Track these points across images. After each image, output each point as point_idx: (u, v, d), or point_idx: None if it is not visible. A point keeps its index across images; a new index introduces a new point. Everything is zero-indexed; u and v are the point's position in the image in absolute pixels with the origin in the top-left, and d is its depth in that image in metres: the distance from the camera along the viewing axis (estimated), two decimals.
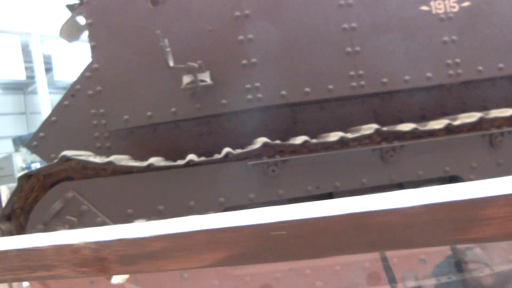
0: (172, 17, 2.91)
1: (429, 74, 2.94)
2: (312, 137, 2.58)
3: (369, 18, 2.90)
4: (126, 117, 2.95)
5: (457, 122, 2.55)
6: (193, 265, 0.92)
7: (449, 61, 2.95)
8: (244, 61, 2.82)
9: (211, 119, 3.03)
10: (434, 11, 2.96)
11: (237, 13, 2.83)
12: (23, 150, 13.63)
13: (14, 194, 2.31)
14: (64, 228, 2.29)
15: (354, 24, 2.89)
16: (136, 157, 2.92)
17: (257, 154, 2.50)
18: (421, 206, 0.80)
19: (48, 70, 15.64)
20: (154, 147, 3.07)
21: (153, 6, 2.94)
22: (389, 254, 2.31)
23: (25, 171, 2.45)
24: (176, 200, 2.43)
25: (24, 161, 13.86)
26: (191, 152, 2.95)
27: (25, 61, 16.06)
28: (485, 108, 3.11)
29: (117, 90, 2.98)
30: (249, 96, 2.82)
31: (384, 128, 2.52)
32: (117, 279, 2.28)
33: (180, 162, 2.43)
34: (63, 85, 17.09)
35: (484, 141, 2.62)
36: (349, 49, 2.88)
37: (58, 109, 3.05)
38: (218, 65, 2.84)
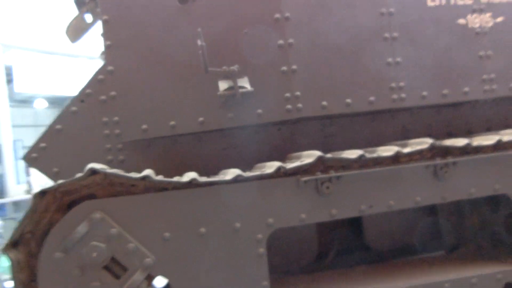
0: (203, 16, 2.63)
1: (466, 89, 2.84)
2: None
3: (411, 28, 2.77)
4: (144, 126, 2.61)
5: (506, 138, 2.44)
6: None
7: (485, 77, 2.88)
8: (284, 68, 2.59)
9: (239, 131, 2.75)
10: (470, 25, 2.89)
11: (277, 15, 2.60)
12: None
13: (26, 216, 1.90)
14: (90, 256, 1.91)
15: (395, 34, 2.75)
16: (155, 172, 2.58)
17: (305, 169, 2.25)
18: None
19: (9, 81, 14.65)
20: (174, 162, 2.73)
21: (181, 3, 2.64)
22: None
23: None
24: (219, 221, 2.12)
25: None
26: (216, 168, 2.65)
27: None
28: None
29: (134, 96, 2.63)
30: (288, 106, 2.58)
31: (439, 143, 2.37)
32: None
33: (226, 177, 2.13)
34: (23, 98, 16.19)
35: None
36: (390, 59, 2.73)
37: (64, 116, 2.65)
38: (254, 71, 2.58)
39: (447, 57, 2.83)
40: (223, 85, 2.47)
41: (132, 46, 2.65)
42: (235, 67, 2.43)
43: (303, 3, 2.62)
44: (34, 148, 2.61)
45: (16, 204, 11.66)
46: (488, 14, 2.92)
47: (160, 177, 2.08)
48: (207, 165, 2.73)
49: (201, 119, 2.61)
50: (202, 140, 2.78)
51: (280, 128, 2.85)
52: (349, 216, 2.29)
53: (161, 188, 2.13)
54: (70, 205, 2.05)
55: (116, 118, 2.66)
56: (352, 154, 2.26)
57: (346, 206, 2.27)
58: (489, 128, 3.05)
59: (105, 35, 2.66)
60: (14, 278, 1.93)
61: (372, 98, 2.69)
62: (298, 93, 2.58)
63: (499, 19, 2.94)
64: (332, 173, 2.22)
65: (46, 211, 1.97)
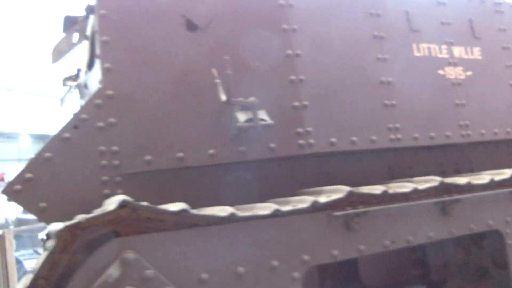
0: (212, 46, 2.55)
1: (448, 133, 3.10)
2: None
3: (403, 74, 2.98)
4: (148, 157, 2.38)
5: (498, 178, 2.68)
6: None
7: (461, 123, 3.18)
8: (296, 103, 2.59)
9: (246, 165, 2.64)
10: (448, 76, 3.21)
11: (289, 52, 2.62)
12: None
13: (47, 258, 1.57)
14: None
15: (390, 79, 2.93)
16: None
17: (332, 205, 2.22)
18: None
19: None
20: (176, 197, 2.50)
21: (190, 31, 2.55)
22: None
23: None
24: (257, 259, 1.96)
25: None
26: (221, 203, 2.49)
27: None
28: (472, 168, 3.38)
29: (137, 123, 2.41)
30: (301, 141, 2.56)
31: (448, 180, 2.51)
32: None
33: (262, 211, 2.00)
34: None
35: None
36: (386, 101, 2.89)
37: (55, 143, 2.31)
38: (266, 105, 2.54)
39: (430, 103, 3.08)
40: (242, 116, 2.37)
41: (134, 71, 2.46)
42: (254, 99, 2.36)
43: (314, 41, 2.69)
44: (18, 179, 2.21)
45: None
46: (460, 68, 3.28)
47: (195, 211, 1.88)
48: (212, 201, 2.55)
49: (211, 151, 2.46)
50: (205, 174, 2.60)
51: (280, 164, 2.80)
52: (375, 251, 2.28)
53: (191, 224, 1.92)
54: (90, 244, 1.75)
55: (115, 148, 2.38)
56: (375, 190, 2.29)
57: (372, 242, 2.26)
58: (471, 170, 3.32)
59: (104, 57, 2.44)
60: None
61: (374, 137, 2.79)
62: (310, 128, 2.58)
63: (469, 73, 3.31)
64: (361, 208, 2.22)
65: (64, 251, 1.64)
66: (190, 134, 2.46)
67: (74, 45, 2.98)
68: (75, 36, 2.96)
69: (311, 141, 2.58)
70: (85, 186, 2.30)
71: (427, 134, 3.01)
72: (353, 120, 2.75)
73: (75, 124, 2.35)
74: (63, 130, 2.32)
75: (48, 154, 2.26)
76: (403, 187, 2.39)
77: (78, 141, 2.33)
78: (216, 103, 2.48)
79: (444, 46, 3.24)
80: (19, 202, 2.19)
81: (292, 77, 2.61)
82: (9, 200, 2.19)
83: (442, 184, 2.48)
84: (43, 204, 2.22)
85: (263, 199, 2.39)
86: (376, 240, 2.27)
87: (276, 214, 2.00)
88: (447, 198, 2.49)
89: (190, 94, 2.49)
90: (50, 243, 1.64)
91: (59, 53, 3.05)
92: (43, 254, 1.61)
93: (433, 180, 2.49)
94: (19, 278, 4.72)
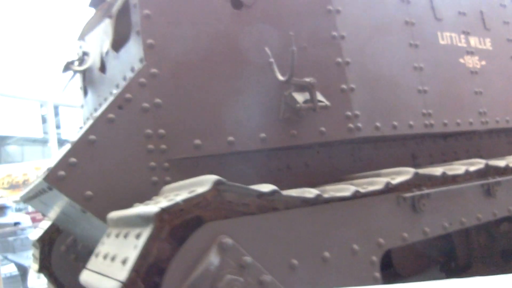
0: (259, 24, 2.42)
1: (470, 120, 3.17)
2: None
3: (432, 62, 3.01)
4: (197, 141, 2.21)
5: None
6: None
7: (480, 110, 3.27)
8: (344, 86, 2.52)
9: (296, 150, 2.53)
10: (467, 65, 3.29)
11: (334, 33, 2.55)
12: None
13: (143, 247, 1.38)
14: None
15: (421, 65, 2.95)
16: None
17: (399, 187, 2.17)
18: None
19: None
20: None
21: (236, 9, 2.40)
22: None
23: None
24: (340, 243, 1.86)
25: None
26: None
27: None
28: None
29: (184, 105, 2.24)
30: (350, 125, 2.50)
31: (491, 163, 2.56)
32: None
33: (343, 193, 1.90)
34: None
35: None
36: (420, 87, 2.90)
37: (99, 124, 2.07)
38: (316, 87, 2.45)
39: (454, 91, 3.14)
40: (300, 97, 2.26)
41: (179, 48, 2.28)
42: (313, 79, 2.26)
43: (358, 23, 2.65)
44: (61, 164, 1.95)
45: None
46: (476, 57, 3.37)
47: (286, 193, 1.75)
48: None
49: (263, 135, 2.33)
50: (248, 160, 2.46)
51: (319, 150, 2.73)
52: (436, 234, 2.26)
53: (272, 207, 1.79)
54: (173, 231, 1.56)
55: (161, 131, 2.19)
56: (435, 171, 2.27)
57: (435, 224, 2.24)
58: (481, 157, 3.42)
59: (145, 32, 2.24)
60: None
61: (411, 122, 2.78)
62: (357, 112, 2.53)
63: (483, 63, 3.42)
64: (426, 190, 2.19)
65: (155, 238, 1.45)
66: (240, 117, 2.31)
67: (99, 22, 2.71)
68: (101, 13, 2.70)
69: (359, 124, 2.52)
70: (132, 173, 2.09)
71: (454, 121, 3.06)
72: (393, 104, 2.73)
73: (119, 104, 2.13)
74: (107, 110, 2.09)
75: (92, 137, 2.03)
76: (454, 169, 2.40)
77: (123, 122, 2.12)
78: (266, 84, 2.36)
79: (462, 36, 3.31)
80: (62, 190, 1.94)
81: (339, 59, 2.54)
82: (52, 187, 1.93)
83: (487, 166, 2.51)
84: (89, 193, 1.98)
85: (306, 186, 2.31)
86: (437, 222, 2.25)
87: (356, 195, 1.92)
88: (491, 180, 2.53)
89: (238, 74, 2.35)
90: (139, 231, 1.44)
91: (84, 30, 2.76)
92: (151, 238, 1.40)
93: (478, 163, 2.52)
94: None
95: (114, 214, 1.79)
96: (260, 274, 1.57)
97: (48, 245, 3.67)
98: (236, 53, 2.36)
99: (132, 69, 2.38)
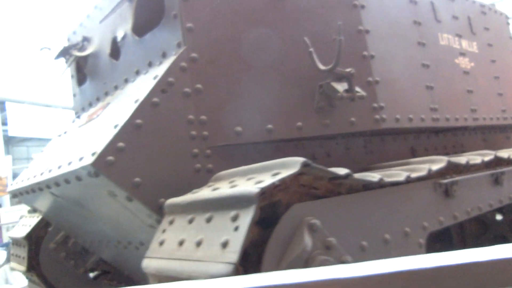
0: (294, 15, 2.44)
1: (465, 116, 3.40)
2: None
3: (438, 60, 3.19)
4: (238, 128, 2.18)
5: None
6: None
7: (472, 107, 3.51)
8: (370, 78, 2.60)
9: (328, 140, 2.57)
10: (461, 65, 3.52)
11: (360, 28, 2.63)
12: None
13: (248, 229, 1.34)
14: None
15: (428, 62, 3.11)
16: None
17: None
18: None
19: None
20: None
21: None
22: None
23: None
24: (395, 226, 1.92)
25: None
26: None
27: None
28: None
29: (224, 91, 2.21)
30: (376, 116, 2.58)
31: (499, 154, 2.76)
32: None
33: (398, 178, 1.96)
34: None
35: None
36: (427, 83, 3.07)
37: (144, 108, 1.97)
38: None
39: (453, 89, 3.35)
40: (339, 87, 2.30)
41: (218, 32, 2.24)
42: (352, 69, 2.32)
43: (382, 19, 2.74)
44: (109, 149, 1.83)
45: None
46: (467, 59, 3.62)
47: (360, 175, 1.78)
48: None
49: (299, 124, 2.34)
50: (279, 149, 2.46)
51: (338, 142, 2.79)
52: (462, 219, 2.39)
53: (338, 191, 1.80)
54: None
55: (203, 117, 2.13)
56: (461, 160, 2.41)
57: (461, 209, 2.37)
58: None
59: (185, 16, 2.17)
60: None
61: (423, 116, 2.93)
62: (382, 104, 2.62)
63: (472, 64, 3.68)
64: (456, 177, 2.31)
65: (254, 220, 1.41)
66: (278, 104, 2.31)
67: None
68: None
69: (384, 116, 2.61)
70: (176, 159, 2.02)
71: (453, 116, 3.26)
72: (408, 98, 2.85)
73: (163, 87, 2.04)
74: (151, 93, 2.00)
75: (138, 121, 1.93)
76: (474, 159, 2.56)
77: (167, 107, 2.03)
78: (301, 73, 2.38)
79: (456, 38, 3.55)
80: (111, 177, 1.82)
81: (365, 53, 2.61)
82: (99, 174, 1.80)
83: (495, 157, 2.71)
84: (137, 179, 1.88)
85: None
86: (463, 207, 2.39)
87: (407, 180, 1.99)
88: (499, 170, 2.73)
89: (274, 61, 2.35)
90: (235, 212, 1.39)
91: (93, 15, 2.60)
92: (223, 226, 1.36)
93: (488, 154, 2.71)
94: None
95: (176, 200, 1.72)
96: (342, 254, 1.58)
97: (35, 243, 3.41)
98: (274, 40, 2.35)
99: (164, 55, 2.30)
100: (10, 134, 19.07)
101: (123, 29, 2.65)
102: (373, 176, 1.83)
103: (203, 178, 2.07)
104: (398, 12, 2.96)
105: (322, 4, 2.54)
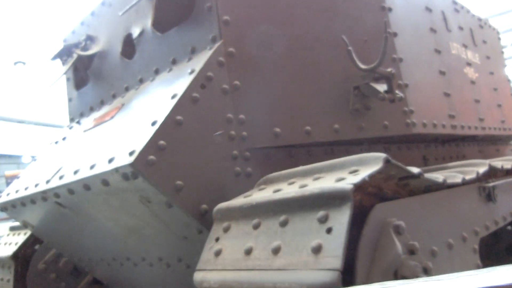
0: (328, 13, 2.34)
1: (476, 125, 3.40)
2: None
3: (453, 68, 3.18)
4: (277, 129, 2.03)
5: None
6: None
7: (480, 117, 3.52)
8: (400, 81, 2.52)
9: (361, 145, 2.45)
10: (468, 75, 3.54)
11: (389, 30, 2.56)
12: None
13: (347, 230, 1.17)
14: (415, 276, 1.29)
15: (444, 69, 3.10)
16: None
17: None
18: None
19: None
20: None
21: None
22: None
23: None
24: (456, 230, 1.80)
25: None
26: None
27: None
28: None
29: (262, 89, 2.05)
30: (408, 120, 2.50)
31: None
32: None
33: (456, 180, 1.86)
34: None
35: None
36: (445, 90, 3.04)
37: (184, 104, 1.77)
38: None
39: (464, 98, 3.35)
40: (380, 87, 2.20)
41: (253, 27, 2.10)
42: (392, 69, 2.23)
43: (408, 22, 2.70)
44: (150, 147, 1.61)
45: None
46: (472, 69, 3.66)
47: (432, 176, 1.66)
48: None
49: (336, 126, 2.22)
50: (310, 153, 2.31)
51: (362, 148, 2.68)
52: (502, 225, 2.31)
53: (401, 191, 1.68)
54: None
55: (242, 116, 1.96)
56: (497, 165, 2.36)
57: (501, 215, 2.30)
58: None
59: (221, 7, 2.02)
60: None
61: (444, 123, 2.88)
62: (412, 108, 2.54)
63: (476, 75, 3.71)
64: (497, 181, 2.25)
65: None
66: (315, 105, 2.18)
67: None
68: None
69: (414, 120, 2.53)
70: (217, 161, 1.83)
71: (466, 125, 3.24)
72: (431, 104, 2.80)
73: (202, 82, 1.86)
74: (191, 88, 1.81)
75: (179, 117, 1.73)
76: (506, 164, 2.52)
77: (206, 103, 1.85)
78: (336, 73, 2.27)
79: (463, 48, 3.57)
80: (151, 179, 1.60)
81: (394, 56, 2.54)
82: (136, 176, 1.58)
83: None
84: (179, 182, 1.67)
85: None
86: (502, 213, 2.31)
87: (463, 183, 1.89)
88: None
89: (311, 60, 2.22)
90: (323, 213, 1.22)
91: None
92: (307, 230, 1.19)
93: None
94: None
95: (232, 204, 1.53)
96: (424, 260, 1.44)
97: (22, 263, 3.06)
98: (308, 39, 2.24)
99: (193, 50, 2.12)
100: None
101: (140, 25, 2.45)
102: (437, 177, 1.72)
103: (242, 183, 1.89)
104: (417, 18, 2.94)
105: (353, 4, 2.46)
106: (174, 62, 2.24)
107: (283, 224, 1.33)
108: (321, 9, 2.32)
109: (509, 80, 4.56)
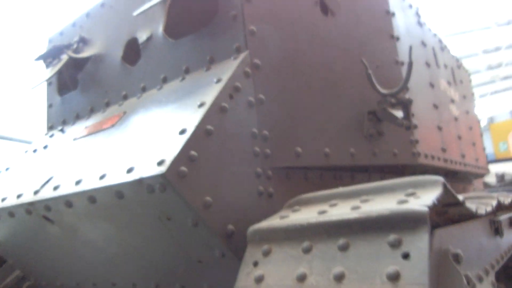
0: (343, 33, 2.32)
1: (459, 160, 3.50)
2: None
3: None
4: (298, 149, 1.94)
5: None
6: None
7: (461, 153, 3.63)
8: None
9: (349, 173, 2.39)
10: (452, 112, 3.66)
11: (397, 59, 2.59)
12: None
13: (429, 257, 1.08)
14: None
15: (437, 103, 3.17)
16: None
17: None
18: None
19: None
20: None
21: (325, 15, 2.27)
22: None
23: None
24: (483, 262, 1.76)
25: None
26: None
27: None
28: None
29: (286, 105, 1.97)
30: (414, 150, 2.49)
31: None
32: None
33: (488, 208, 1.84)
34: None
35: None
36: (439, 124, 3.11)
37: (213, 113, 1.63)
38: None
39: (451, 133, 3.45)
40: (398, 113, 2.18)
41: (279, 40, 2.04)
42: (409, 97, 2.22)
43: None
44: (181, 157, 1.44)
45: None
46: (454, 106, 3.80)
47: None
48: None
49: (352, 150, 2.16)
50: (323, 178, 2.23)
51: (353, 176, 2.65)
52: (507, 258, 2.32)
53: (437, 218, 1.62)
54: None
55: (265, 132, 1.85)
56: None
57: (505, 248, 2.31)
58: None
59: (248, 17, 1.94)
60: None
61: (438, 155, 2.93)
62: (418, 138, 2.55)
63: (458, 112, 3.86)
64: (503, 215, 2.27)
65: None
66: (334, 127, 2.11)
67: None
68: None
69: (419, 151, 2.54)
70: (242, 178, 1.69)
71: (453, 159, 3.32)
72: (430, 135, 2.84)
73: (230, 92, 1.74)
74: (220, 97, 1.68)
75: (209, 127, 1.59)
76: (506, 200, 2.57)
77: (234, 115, 1.73)
78: (354, 96, 2.23)
79: (448, 86, 3.71)
80: (181, 192, 1.43)
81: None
82: (163, 188, 1.40)
83: None
84: (208, 198, 1.51)
85: None
86: (505, 247, 2.33)
87: (486, 213, 1.87)
88: None
89: (331, 80, 2.18)
90: (395, 237, 1.12)
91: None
92: (377, 255, 1.09)
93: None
94: None
95: (272, 225, 1.39)
96: None
97: None
98: (328, 58, 2.19)
99: (212, 60, 2.01)
100: None
101: (148, 30, 2.30)
102: (471, 207, 1.68)
103: (264, 203, 1.75)
104: (417, 51, 3.01)
105: (366, 31, 2.46)
106: (187, 70, 2.10)
107: (344, 248, 1.21)
108: (339, 32, 2.30)
109: (478, 121, 4.80)
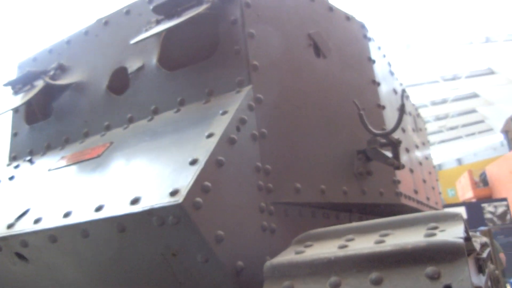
0: (335, 74, 2.40)
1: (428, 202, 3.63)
2: None
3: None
4: (297, 185, 1.92)
5: None
6: None
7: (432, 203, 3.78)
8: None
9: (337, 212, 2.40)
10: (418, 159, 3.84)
11: (379, 103, 2.70)
12: None
13: None
14: None
15: (409, 149, 3.31)
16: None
17: None
18: None
19: None
20: None
21: (317, 57, 2.34)
22: None
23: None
24: None
25: None
26: None
27: None
28: None
29: (286, 141, 1.96)
30: (397, 190, 2.55)
31: None
32: None
33: None
34: None
35: None
36: (410, 167, 3.23)
37: (223, 144, 1.57)
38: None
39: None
40: (388, 153, 2.24)
41: (279, 76, 2.06)
42: (399, 138, 2.30)
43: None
44: (196, 187, 1.36)
45: None
46: (419, 152, 3.98)
47: None
48: None
49: (344, 188, 2.17)
50: (315, 216, 2.21)
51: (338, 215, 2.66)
52: None
53: None
54: None
55: (268, 166, 1.81)
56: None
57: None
58: None
59: (251, 51, 1.96)
60: None
61: (414, 197, 3.02)
62: (399, 178, 2.62)
63: (421, 158, 4.05)
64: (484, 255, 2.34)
65: None
66: (329, 164, 2.12)
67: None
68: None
69: (401, 190, 2.60)
70: (248, 213, 1.63)
71: (423, 201, 3.45)
72: (406, 177, 2.93)
73: (237, 125, 1.70)
74: (229, 129, 1.64)
75: (220, 157, 1.53)
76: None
77: (240, 147, 1.69)
78: (345, 135, 2.28)
79: (413, 132, 3.91)
80: (195, 223, 1.33)
81: (384, 127, 2.65)
82: (177, 219, 1.30)
83: None
84: (220, 232, 1.42)
85: None
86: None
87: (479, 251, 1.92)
88: None
89: (326, 118, 2.21)
90: (432, 269, 1.10)
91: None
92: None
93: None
94: None
95: (294, 259, 1.32)
96: None
97: None
98: (323, 96, 2.24)
99: (211, 92, 1.97)
100: None
101: (140, 59, 2.23)
102: (473, 244, 1.72)
103: (267, 239, 1.69)
104: (391, 97, 3.16)
105: (353, 75, 2.56)
106: (182, 102, 2.04)
107: (377, 282, 1.17)
108: (330, 74, 2.37)
109: (434, 167, 5.06)
